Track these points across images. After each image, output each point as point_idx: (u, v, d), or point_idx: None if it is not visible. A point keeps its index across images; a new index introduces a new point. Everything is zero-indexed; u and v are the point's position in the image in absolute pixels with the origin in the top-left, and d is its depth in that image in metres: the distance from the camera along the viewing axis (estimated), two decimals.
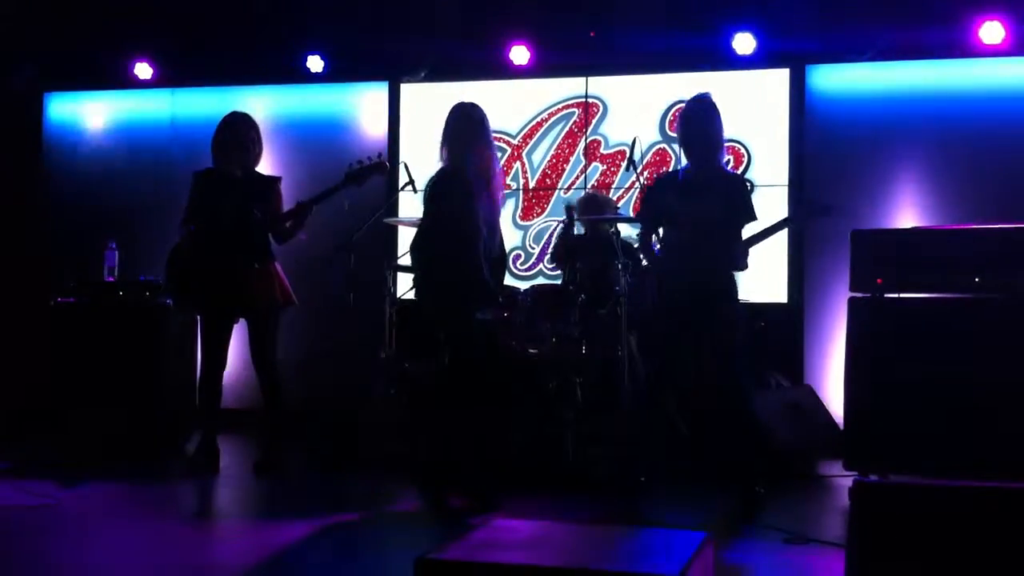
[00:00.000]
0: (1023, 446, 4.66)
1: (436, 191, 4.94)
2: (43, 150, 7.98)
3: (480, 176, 4.90)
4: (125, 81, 7.62)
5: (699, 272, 4.86)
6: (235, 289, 5.64)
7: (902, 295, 5.01)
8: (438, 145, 5.00)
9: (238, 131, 5.76)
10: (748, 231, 5.01)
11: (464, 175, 4.87)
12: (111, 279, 6.47)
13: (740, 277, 5.06)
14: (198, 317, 6.06)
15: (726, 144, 6.67)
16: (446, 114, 5.03)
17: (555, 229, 7.11)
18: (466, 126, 4.95)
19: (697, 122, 5.00)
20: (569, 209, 5.98)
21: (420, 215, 5.15)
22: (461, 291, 4.83)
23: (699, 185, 4.95)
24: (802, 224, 4.96)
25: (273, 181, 5.81)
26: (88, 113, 7.99)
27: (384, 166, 5.69)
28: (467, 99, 5.16)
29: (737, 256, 4.90)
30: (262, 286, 5.69)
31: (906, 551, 2.66)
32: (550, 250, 6.80)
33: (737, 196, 5.01)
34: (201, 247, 5.68)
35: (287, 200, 5.80)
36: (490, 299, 4.96)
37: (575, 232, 6.15)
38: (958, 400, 4.75)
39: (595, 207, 6.29)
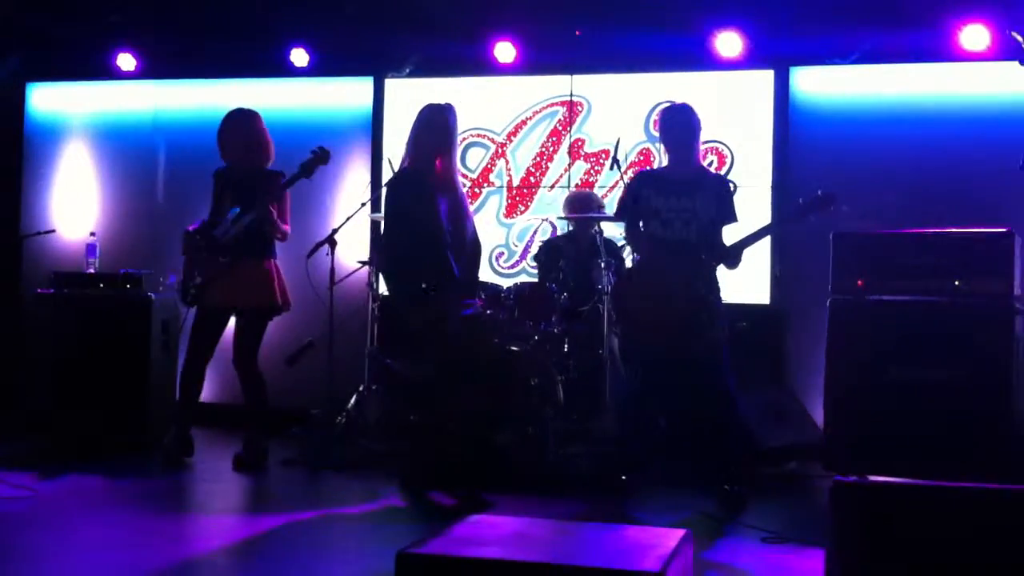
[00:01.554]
0: (999, 448, 4.70)
1: (393, 192, 4.98)
2: (24, 140, 7.92)
3: (441, 176, 4.92)
4: (108, 72, 7.58)
5: (685, 271, 4.88)
6: (230, 286, 5.61)
7: (883, 298, 5.04)
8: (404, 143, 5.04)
9: (234, 128, 5.77)
10: (730, 232, 5.05)
11: (422, 176, 4.89)
12: (91, 271, 6.43)
13: (722, 277, 5.09)
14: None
15: (710, 145, 6.76)
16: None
17: (538, 228, 7.12)
18: (431, 128, 4.96)
19: (679, 121, 5.06)
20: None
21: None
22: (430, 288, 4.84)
23: (684, 183, 4.99)
24: (804, 220, 5.00)
25: (270, 177, 5.75)
26: (70, 104, 7.94)
27: (325, 155, 5.60)
28: (451, 95, 5.18)
29: (725, 255, 4.94)
30: (256, 285, 5.66)
31: (885, 550, 2.68)
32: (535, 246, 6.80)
33: (724, 196, 5.07)
34: (205, 245, 5.66)
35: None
36: (461, 293, 4.95)
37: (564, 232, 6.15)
38: (937, 402, 4.79)
39: (583, 205, 6.31)
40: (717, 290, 5.02)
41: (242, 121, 5.80)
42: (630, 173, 6.67)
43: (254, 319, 5.73)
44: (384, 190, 5.16)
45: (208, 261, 5.63)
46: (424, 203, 4.84)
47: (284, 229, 5.74)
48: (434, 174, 4.93)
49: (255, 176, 5.73)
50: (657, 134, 5.28)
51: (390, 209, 5.01)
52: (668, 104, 5.21)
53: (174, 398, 6.30)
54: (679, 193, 4.98)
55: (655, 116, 6.88)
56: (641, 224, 5.11)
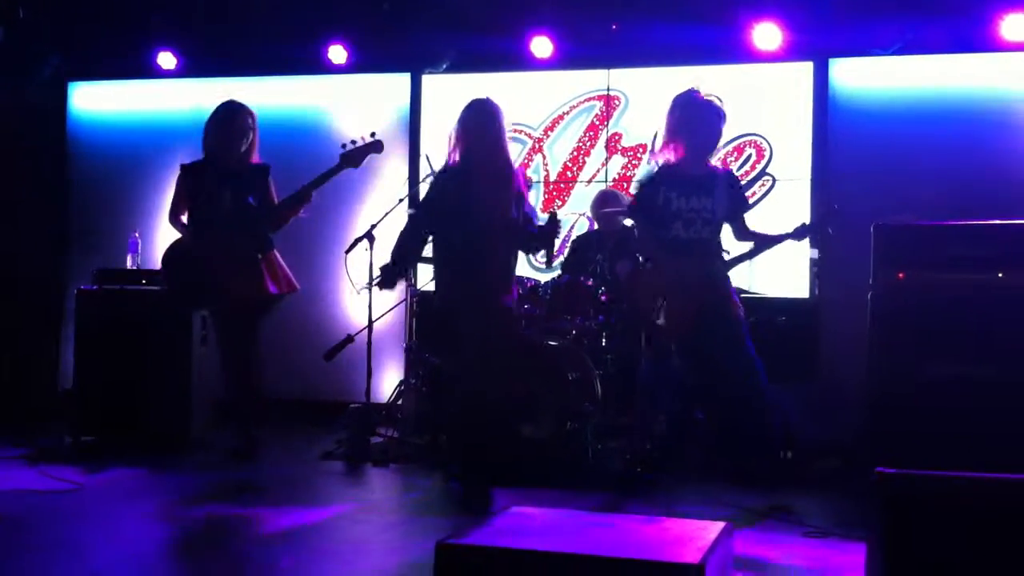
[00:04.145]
0: None
1: (433, 185, 5.02)
2: (67, 139, 8.03)
3: (488, 172, 4.90)
4: (149, 71, 7.66)
5: (705, 270, 4.86)
6: (237, 279, 5.55)
7: (925, 290, 4.98)
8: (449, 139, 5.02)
9: (229, 120, 5.68)
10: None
11: (460, 171, 4.90)
12: (134, 267, 6.51)
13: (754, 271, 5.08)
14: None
15: (748, 138, 6.73)
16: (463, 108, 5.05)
17: (576, 222, 7.12)
18: (476, 123, 4.95)
19: (709, 121, 4.97)
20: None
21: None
22: (477, 282, 4.86)
23: (702, 181, 4.94)
24: (819, 235, 4.98)
25: (263, 170, 5.68)
26: (111, 102, 8.04)
27: (378, 144, 5.58)
28: (488, 91, 5.16)
29: (736, 261, 4.97)
30: (263, 275, 5.58)
31: (928, 542, 2.65)
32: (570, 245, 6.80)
33: (736, 189, 5.07)
34: (202, 239, 5.63)
35: (282, 189, 5.71)
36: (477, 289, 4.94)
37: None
38: (980, 396, 4.73)
39: (604, 204, 6.32)
40: (730, 284, 5.02)
41: (242, 114, 5.71)
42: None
43: (263, 308, 5.66)
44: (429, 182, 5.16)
45: (216, 257, 5.55)
46: (467, 198, 4.84)
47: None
48: (479, 169, 4.92)
49: (250, 170, 5.66)
50: (665, 120, 5.08)
51: (424, 200, 5.06)
52: (690, 91, 4.99)
53: (214, 392, 6.36)
54: (699, 193, 4.93)
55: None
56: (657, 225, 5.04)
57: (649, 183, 5.11)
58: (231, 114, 5.71)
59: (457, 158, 4.94)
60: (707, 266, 4.89)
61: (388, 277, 5.15)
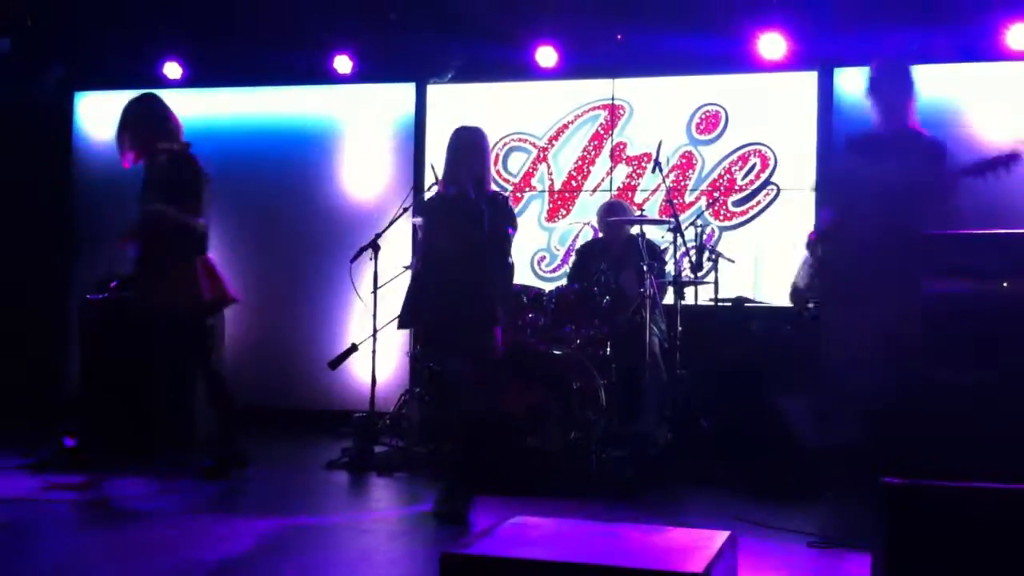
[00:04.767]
0: None
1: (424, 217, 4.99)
2: (72, 148, 8.05)
3: (463, 203, 4.79)
4: (154, 81, 7.66)
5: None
6: (147, 288, 5.40)
7: (929, 299, 4.97)
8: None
9: (146, 109, 5.63)
10: None
11: (436, 200, 4.89)
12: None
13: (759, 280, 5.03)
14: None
15: (753, 147, 6.73)
16: (469, 120, 5.03)
17: (580, 231, 7.12)
18: (460, 152, 4.89)
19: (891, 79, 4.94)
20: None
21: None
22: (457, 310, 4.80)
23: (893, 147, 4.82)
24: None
25: (180, 162, 5.45)
26: (117, 112, 8.02)
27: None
28: (493, 101, 5.17)
29: None
30: (174, 285, 5.36)
31: (933, 553, 2.65)
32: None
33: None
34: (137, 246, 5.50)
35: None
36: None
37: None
38: (986, 404, 4.72)
39: (610, 214, 6.33)
40: None
41: (125, 112, 5.62)
42: (672, 176, 6.68)
43: (189, 319, 5.42)
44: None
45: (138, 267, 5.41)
46: (441, 230, 4.80)
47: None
48: (452, 201, 4.85)
49: (169, 162, 5.57)
50: (700, 136, 5.08)
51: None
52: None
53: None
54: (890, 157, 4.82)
55: (698, 119, 6.88)
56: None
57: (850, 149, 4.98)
58: (148, 101, 5.64)
59: (441, 188, 4.90)
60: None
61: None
